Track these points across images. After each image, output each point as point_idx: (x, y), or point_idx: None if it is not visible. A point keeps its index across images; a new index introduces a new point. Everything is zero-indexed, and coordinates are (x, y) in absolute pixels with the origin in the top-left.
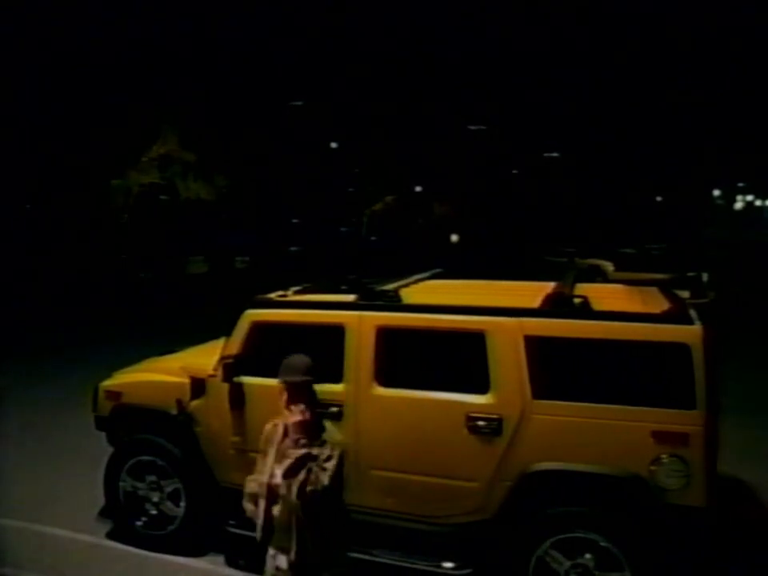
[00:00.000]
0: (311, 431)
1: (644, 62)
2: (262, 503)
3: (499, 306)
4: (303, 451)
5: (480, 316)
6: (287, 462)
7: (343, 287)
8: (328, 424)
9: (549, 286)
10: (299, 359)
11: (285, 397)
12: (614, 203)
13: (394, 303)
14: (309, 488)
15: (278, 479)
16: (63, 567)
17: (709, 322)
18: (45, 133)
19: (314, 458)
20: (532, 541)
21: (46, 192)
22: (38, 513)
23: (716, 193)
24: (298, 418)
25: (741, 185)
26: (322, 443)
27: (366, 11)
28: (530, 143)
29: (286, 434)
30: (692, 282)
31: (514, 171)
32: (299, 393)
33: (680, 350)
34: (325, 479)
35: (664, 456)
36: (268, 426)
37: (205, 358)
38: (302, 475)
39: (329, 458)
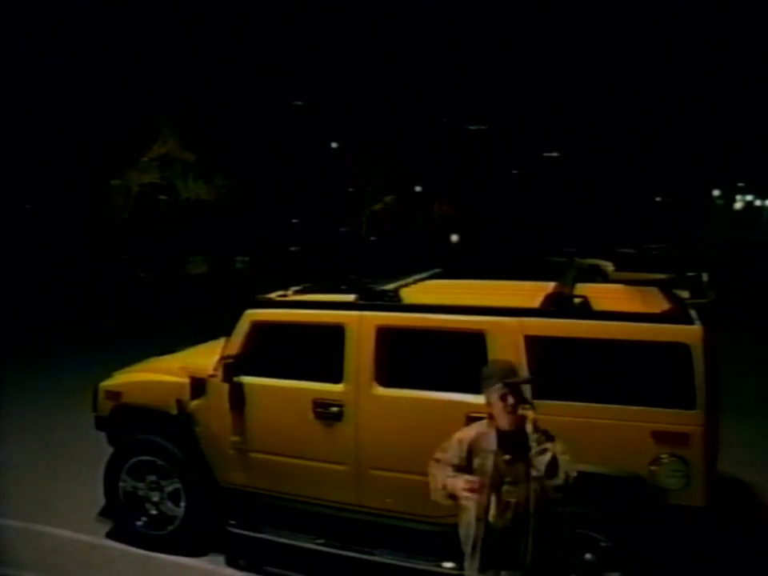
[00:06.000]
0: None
1: (644, 61)
2: (473, 518)
3: (499, 306)
4: (548, 445)
5: (480, 316)
6: (544, 462)
7: (343, 287)
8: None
9: (549, 286)
10: (503, 363)
11: (510, 400)
12: (614, 203)
13: (393, 303)
14: (568, 481)
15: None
16: (63, 567)
17: (709, 322)
18: (45, 132)
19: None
20: None
21: (46, 192)
22: (38, 513)
23: (716, 193)
24: (532, 416)
25: (741, 185)
26: (549, 435)
27: (366, 11)
28: (530, 143)
29: (500, 442)
30: (692, 281)
31: (514, 171)
32: (520, 392)
33: (680, 349)
34: (571, 470)
35: (664, 456)
36: (462, 436)
37: (205, 358)
38: (561, 473)
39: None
